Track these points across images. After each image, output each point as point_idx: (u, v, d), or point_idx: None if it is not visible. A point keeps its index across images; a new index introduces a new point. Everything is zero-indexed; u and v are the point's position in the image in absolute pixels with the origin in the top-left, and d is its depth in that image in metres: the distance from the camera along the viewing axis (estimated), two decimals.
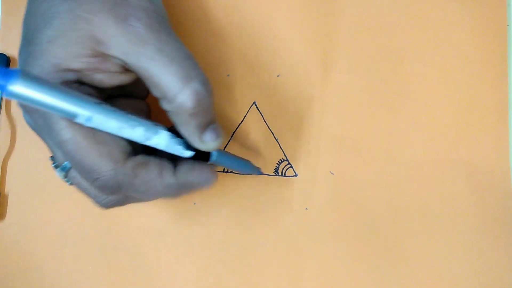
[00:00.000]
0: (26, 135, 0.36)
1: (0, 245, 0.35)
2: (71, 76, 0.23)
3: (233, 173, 0.35)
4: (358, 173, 0.35)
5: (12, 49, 0.36)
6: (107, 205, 0.27)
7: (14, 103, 0.36)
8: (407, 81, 0.35)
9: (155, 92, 0.24)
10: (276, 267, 0.35)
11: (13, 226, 0.35)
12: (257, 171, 0.34)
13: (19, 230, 0.35)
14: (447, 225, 0.35)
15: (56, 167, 0.27)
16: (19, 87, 0.20)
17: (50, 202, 0.35)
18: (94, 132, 0.23)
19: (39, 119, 0.24)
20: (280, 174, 0.35)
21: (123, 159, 0.24)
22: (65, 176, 0.27)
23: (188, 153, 0.26)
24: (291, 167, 0.35)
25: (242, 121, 0.35)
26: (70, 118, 0.22)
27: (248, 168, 0.32)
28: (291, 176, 0.35)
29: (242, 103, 0.35)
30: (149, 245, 0.35)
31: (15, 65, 0.36)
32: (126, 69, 0.24)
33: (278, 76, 0.35)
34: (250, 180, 0.35)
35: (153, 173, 0.25)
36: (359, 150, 0.35)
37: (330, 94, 0.35)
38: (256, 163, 0.34)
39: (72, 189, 0.35)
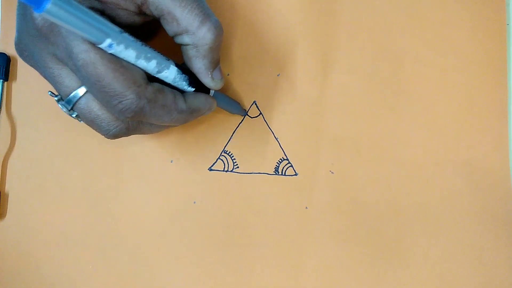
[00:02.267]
0: (27, 135, 0.36)
1: (0, 245, 0.35)
2: (97, 5, 0.25)
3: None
4: (358, 173, 0.35)
5: (12, 49, 0.36)
6: (116, 133, 0.28)
7: (14, 103, 0.36)
8: (407, 81, 0.36)
9: (175, 28, 0.27)
10: (276, 266, 0.35)
11: (13, 226, 0.35)
12: (244, 112, 0.35)
13: (19, 230, 0.35)
14: (447, 225, 0.35)
15: (59, 100, 0.28)
16: (55, 6, 0.21)
17: (50, 202, 0.35)
18: (117, 58, 0.25)
19: (62, 42, 0.25)
20: (280, 173, 0.35)
21: (144, 84, 0.26)
22: (70, 109, 0.28)
23: (190, 89, 0.29)
24: (291, 166, 0.35)
25: (242, 120, 0.35)
26: (94, 42, 0.24)
27: (237, 108, 0.34)
28: (291, 176, 0.35)
29: (242, 102, 0.35)
30: (149, 245, 0.35)
31: (16, 65, 0.36)
32: (140, 11, 0.27)
33: (278, 75, 0.35)
34: (250, 180, 0.35)
35: (169, 99, 0.27)
36: (359, 150, 0.35)
37: (330, 94, 0.35)
38: (257, 161, 0.34)
39: (72, 189, 0.35)
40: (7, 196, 0.36)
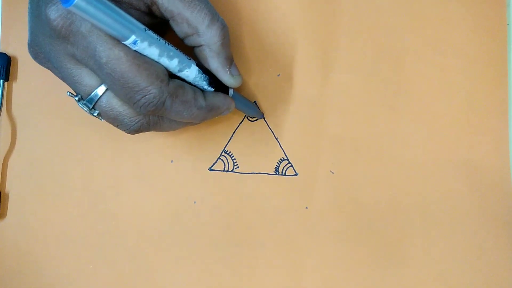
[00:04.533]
0: (27, 135, 0.36)
1: (0, 245, 0.35)
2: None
3: (237, 170, 0.35)
4: (358, 173, 0.35)
5: (12, 49, 0.36)
6: (137, 128, 0.29)
7: (15, 103, 0.36)
8: (407, 81, 0.36)
9: (186, 29, 0.28)
10: (276, 266, 0.35)
11: (13, 226, 0.35)
12: (261, 115, 0.35)
13: (19, 230, 0.35)
14: (447, 225, 0.35)
15: (79, 100, 0.28)
16: (83, 0, 0.22)
17: (50, 202, 0.36)
18: (140, 54, 0.26)
19: (82, 42, 0.25)
20: (280, 173, 0.35)
21: (167, 79, 0.27)
22: (91, 108, 0.28)
23: (210, 89, 0.30)
24: (292, 166, 0.35)
25: (243, 120, 0.35)
26: (119, 38, 0.24)
27: (254, 111, 0.34)
28: (292, 176, 0.35)
29: None
30: (149, 245, 0.35)
31: (16, 65, 0.36)
32: (150, 12, 0.28)
33: (278, 76, 0.36)
34: (251, 180, 0.35)
35: (190, 95, 0.28)
36: (359, 150, 0.35)
37: (330, 94, 0.36)
38: (257, 161, 0.34)
39: (72, 189, 0.35)
40: (7, 196, 0.36)
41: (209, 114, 0.29)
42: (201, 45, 0.29)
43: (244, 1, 0.36)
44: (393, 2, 0.36)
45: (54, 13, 0.25)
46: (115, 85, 0.26)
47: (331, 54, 0.36)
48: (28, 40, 0.28)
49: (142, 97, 0.26)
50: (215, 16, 0.28)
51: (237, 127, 0.36)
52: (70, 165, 0.36)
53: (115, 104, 0.28)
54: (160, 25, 0.29)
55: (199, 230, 0.35)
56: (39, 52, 0.28)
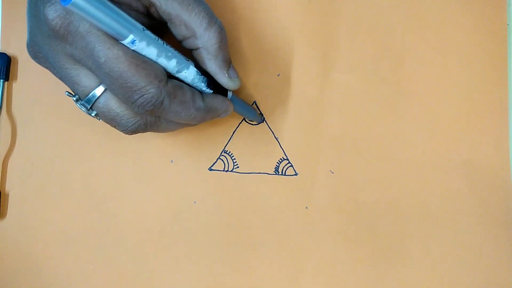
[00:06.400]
0: (27, 135, 0.36)
1: (0, 245, 0.35)
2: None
3: (237, 168, 0.35)
4: (358, 173, 0.35)
5: (12, 49, 0.36)
6: (135, 129, 0.29)
7: (15, 102, 0.36)
8: (407, 80, 0.36)
9: (183, 31, 0.28)
10: (276, 266, 0.35)
11: (13, 226, 0.35)
12: (260, 119, 0.35)
13: (19, 230, 0.35)
14: (447, 225, 0.35)
15: (77, 100, 0.28)
16: (83, 1, 0.22)
17: (50, 202, 0.36)
18: (138, 54, 0.26)
19: (81, 42, 0.25)
20: (280, 173, 0.35)
21: (165, 80, 0.27)
22: (89, 108, 0.28)
23: (209, 91, 0.29)
24: (291, 166, 0.35)
25: (243, 120, 0.35)
26: (117, 37, 0.24)
27: (253, 114, 0.34)
28: (291, 175, 0.35)
29: None
30: (149, 245, 0.35)
31: (16, 65, 0.36)
32: (148, 13, 0.28)
33: (278, 75, 0.36)
34: (250, 179, 0.35)
35: (188, 96, 0.28)
36: (359, 150, 0.35)
37: (330, 94, 0.36)
38: (257, 161, 0.34)
39: (72, 189, 0.35)
40: (7, 196, 0.36)
41: (207, 116, 0.29)
42: (198, 48, 0.29)
43: (244, 1, 0.36)
44: (393, 2, 0.36)
45: (52, 13, 0.24)
46: (114, 85, 0.26)
47: (331, 54, 0.36)
48: (27, 40, 0.28)
49: (140, 97, 0.26)
50: (213, 18, 0.28)
51: (237, 127, 0.36)
52: (70, 165, 0.36)
53: (112, 105, 0.28)
54: (158, 27, 0.29)
55: (199, 230, 0.35)
56: (38, 52, 0.28)
